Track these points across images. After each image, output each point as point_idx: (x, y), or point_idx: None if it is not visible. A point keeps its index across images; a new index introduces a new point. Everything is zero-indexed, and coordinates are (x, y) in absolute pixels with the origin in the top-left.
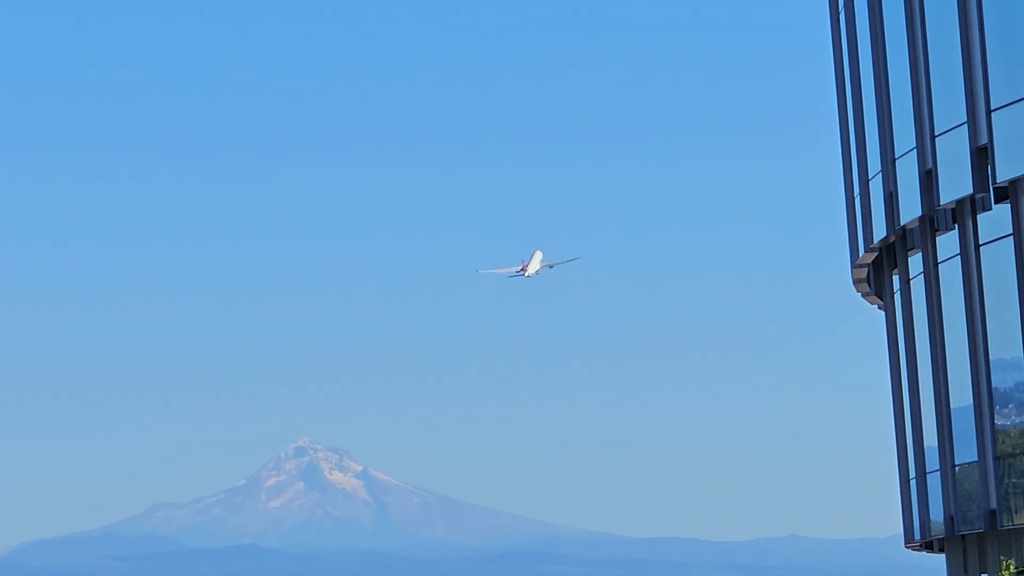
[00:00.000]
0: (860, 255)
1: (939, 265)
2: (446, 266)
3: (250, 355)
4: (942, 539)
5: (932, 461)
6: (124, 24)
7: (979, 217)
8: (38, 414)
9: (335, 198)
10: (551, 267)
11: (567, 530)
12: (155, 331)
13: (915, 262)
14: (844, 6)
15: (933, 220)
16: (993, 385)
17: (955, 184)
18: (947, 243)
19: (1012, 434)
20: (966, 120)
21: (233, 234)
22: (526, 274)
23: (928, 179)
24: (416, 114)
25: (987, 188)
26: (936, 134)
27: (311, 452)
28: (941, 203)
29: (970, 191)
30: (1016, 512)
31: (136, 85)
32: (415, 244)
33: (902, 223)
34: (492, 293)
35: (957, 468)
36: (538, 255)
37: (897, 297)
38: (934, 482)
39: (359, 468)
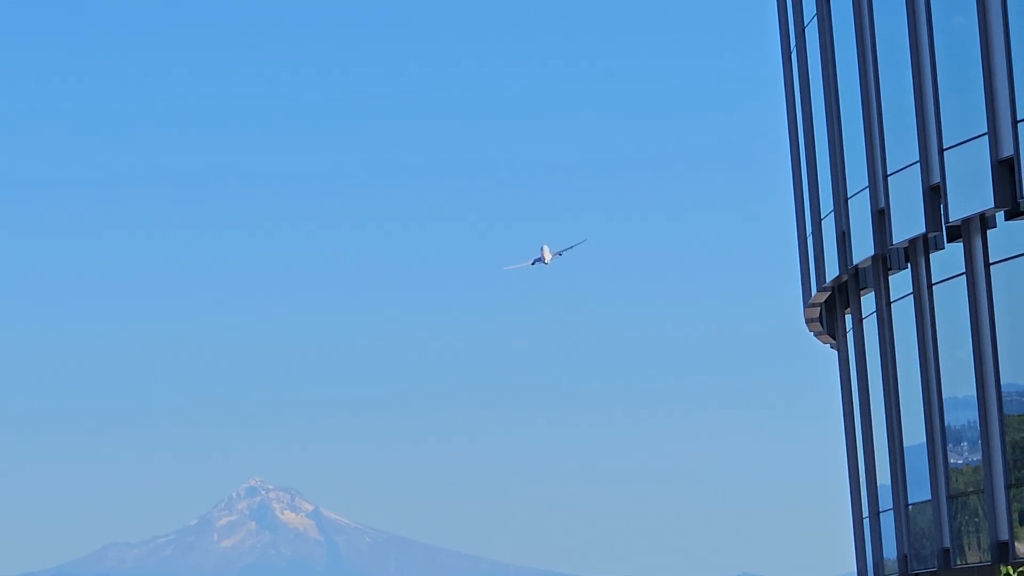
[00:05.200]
0: (812, 294)
1: (892, 304)
2: (395, 304)
3: (202, 394)
4: None
5: (885, 500)
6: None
7: (932, 256)
8: None
9: (283, 239)
10: (560, 254)
11: (517, 569)
12: (106, 369)
13: (868, 301)
14: (796, 44)
15: (886, 259)
16: (946, 423)
17: (908, 223)
18: (900, 282)
19: (965, 472)
20: (919, 159)
21: (181, 270)
22: (545, 261)
23: (880, 218)
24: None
25: (940, 227)
26: (888, 173)
27: (263, 492)
28: (894, 242)
29: (923, 230)
30: (969, 551)
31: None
32: (359, 286)
33: (855, 262)
34: (441, 331)
35: (910, 507)
36: (546, 248)
37: (850, 336)
38: (887, 521)
39: (311, 508)
